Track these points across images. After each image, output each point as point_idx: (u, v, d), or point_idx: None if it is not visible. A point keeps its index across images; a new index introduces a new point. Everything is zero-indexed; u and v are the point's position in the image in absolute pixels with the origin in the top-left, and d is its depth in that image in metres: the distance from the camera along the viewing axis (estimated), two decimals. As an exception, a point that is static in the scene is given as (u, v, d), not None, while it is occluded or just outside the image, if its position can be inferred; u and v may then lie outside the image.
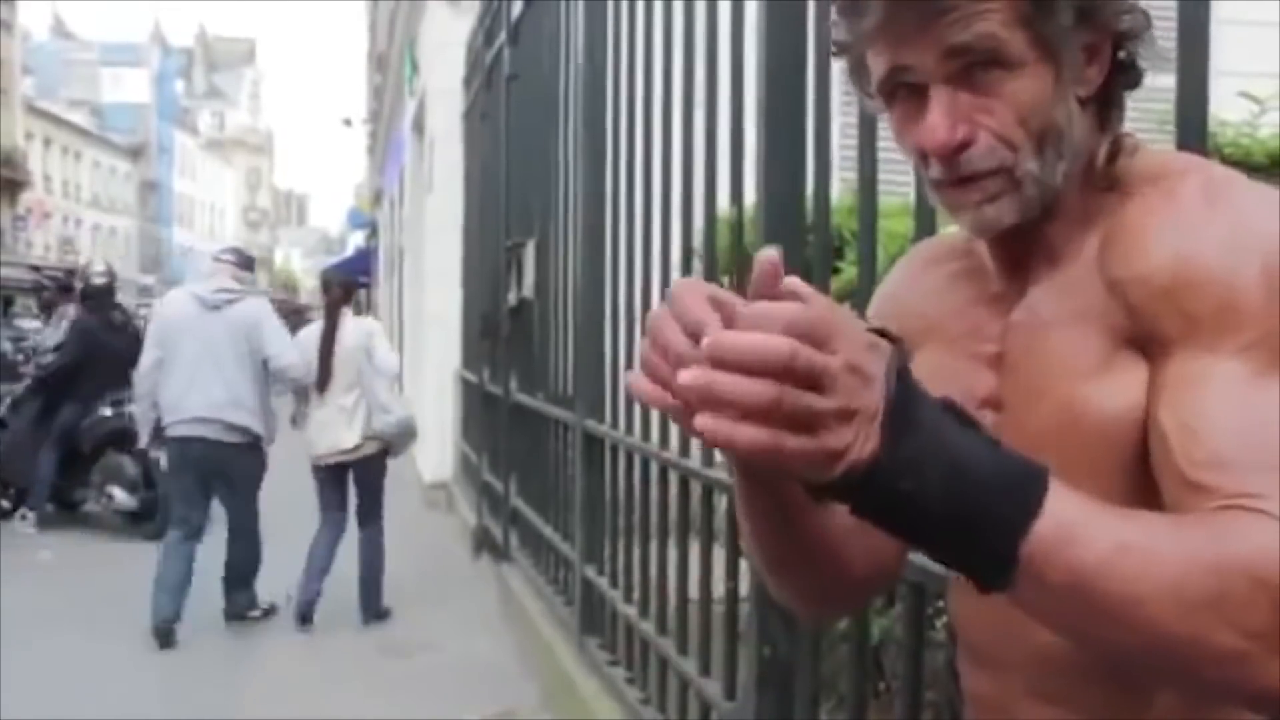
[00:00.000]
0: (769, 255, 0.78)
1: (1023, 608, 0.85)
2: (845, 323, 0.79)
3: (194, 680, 5.27)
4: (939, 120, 0.98)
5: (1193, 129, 1.35)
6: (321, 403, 6.13)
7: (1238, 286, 0.92)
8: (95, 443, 8.74)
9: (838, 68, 2.12)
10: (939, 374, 1.12)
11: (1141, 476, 0.95)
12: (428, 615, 6.30)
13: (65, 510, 9.05)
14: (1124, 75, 1.03)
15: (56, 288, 11.88)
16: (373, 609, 6.23)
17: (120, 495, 8.60)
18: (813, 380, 0.75)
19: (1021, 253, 1.06)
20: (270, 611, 6.27)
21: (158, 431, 6.18)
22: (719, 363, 0.75)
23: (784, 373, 0.74)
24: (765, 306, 0.76)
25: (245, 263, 6.41)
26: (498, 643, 5.62)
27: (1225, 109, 2.44)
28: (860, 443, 0.77)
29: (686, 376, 0.76)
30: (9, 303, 19.48)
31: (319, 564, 6.14)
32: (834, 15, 1.04)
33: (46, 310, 12.25)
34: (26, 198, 46.49)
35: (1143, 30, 1.02)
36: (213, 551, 6.27)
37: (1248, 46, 4.31)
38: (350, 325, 6.21)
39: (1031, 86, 0.98)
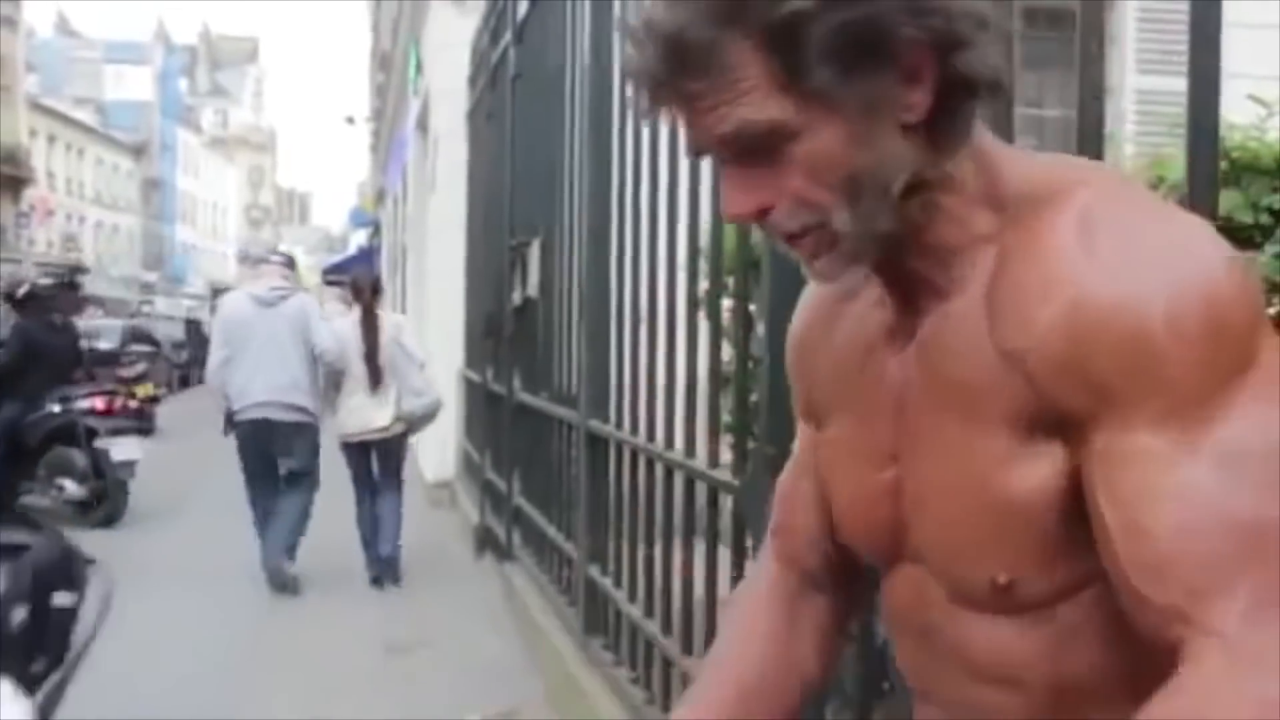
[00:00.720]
0: None
1: None
2: None
3: (196, 676, 5.27)
4: (728, 196, 0.96)
5: (1205, 133, 1.34)
6: (354, 390, 6.86)
7: (1142, 339, 0.85)
8: (42, 438, 9.02)
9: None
10: (847, 440, 1.10)
11: (1055, 535, 0.93)
12: (431, 613, 6.31)
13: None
14: (962, 88, 0.94)
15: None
16: (392, 572, 6.93)
17: (70, 486, 8.86)
18: None
19: (907, 289, 1.01)
20: (294, 582, 6.78)
21: (229, 418, 6.90)
22: None
23: None
24: None
25: (290, 263, 7.50)
26: (501, 642, 5.61)
27: (1232, 112, 2.44)
28: None
29: None
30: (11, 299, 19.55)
31: (391, 530, 6.99)
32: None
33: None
34: (30, 194, 46.48)
35: (974, 37, 0.92)
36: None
37: (1252, 49, 4.31)
38: (381, 320, 7.02)
39: (818, 146, 0.92)
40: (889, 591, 1.10)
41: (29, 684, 2.55)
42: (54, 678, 2.67)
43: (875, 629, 2.45)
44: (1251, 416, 0.85)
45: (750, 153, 0.94)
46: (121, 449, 8.89)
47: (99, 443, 8.85)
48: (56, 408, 9.08)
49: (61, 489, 8.88)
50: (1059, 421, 0.90)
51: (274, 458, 6.83)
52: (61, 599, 2.80)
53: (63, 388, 9.21)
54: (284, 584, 6.65)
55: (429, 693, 4.99)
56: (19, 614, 2.65)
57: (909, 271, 1.00)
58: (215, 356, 6.92)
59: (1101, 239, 0.88)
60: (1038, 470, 0.91)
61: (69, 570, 2.87)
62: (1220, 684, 0.81)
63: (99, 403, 9.35)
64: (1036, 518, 0.92)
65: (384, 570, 6.92)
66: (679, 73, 0.92)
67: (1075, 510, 0.91)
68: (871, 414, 1.06)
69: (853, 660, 2.25)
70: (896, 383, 1.03)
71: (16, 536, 2.90)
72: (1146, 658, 0.89)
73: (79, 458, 8.88)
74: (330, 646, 5.80)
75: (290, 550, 6.80)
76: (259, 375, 6.67)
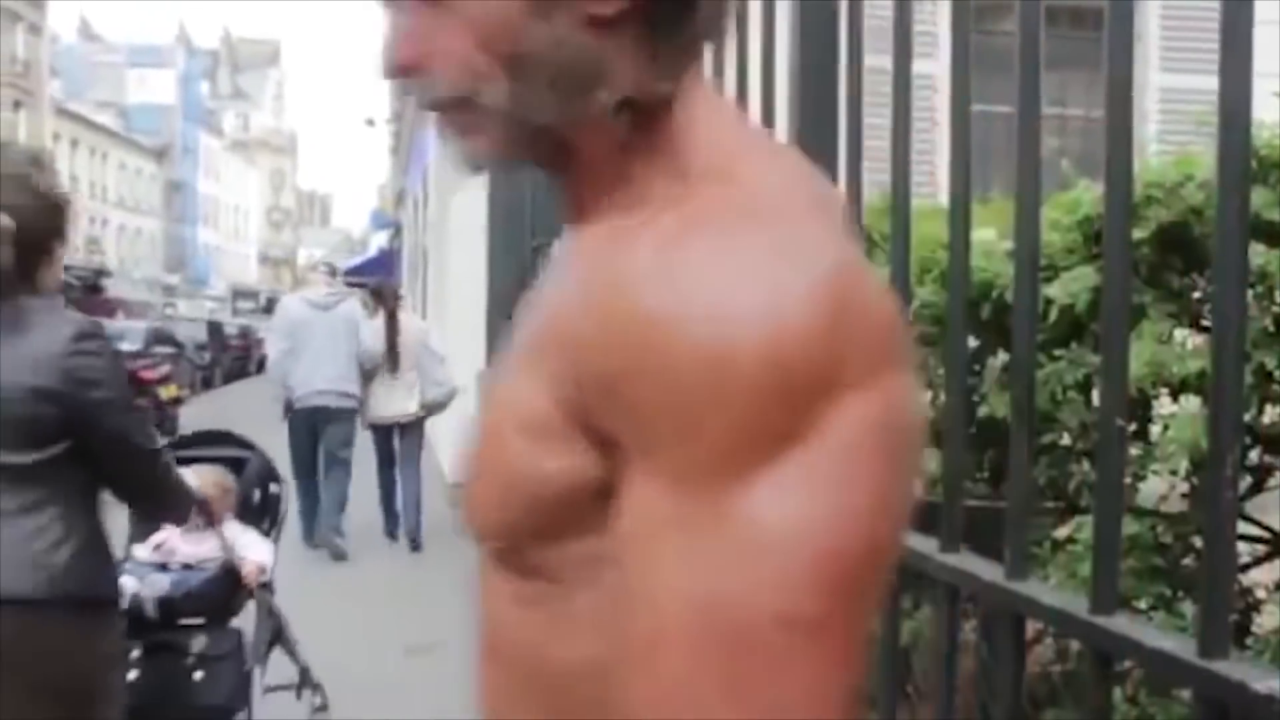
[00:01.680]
0: None
1: None
2: None
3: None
4: (388, 44, 0.84)
5: (1236, 132, 1.33)
6: (385, 380, 8.02)
7: (682, 382, 0.70)
8: None
9: (870, 65, 2.12)
10: None
11: (557, 520, 0.80)
12: (450, 614, 6.28)
13: None
14: None
15: (83, 287, 12.08)
16: (413, 535, 8.03)
17: None
18: None
19: (569, 211, 0.90)
20: (341, 554, 7.81)
21: (289, 405, 7.88)
22: None
23: None
24: None
25: (334, 271, 8.78)
26: (521, 643, 5.61)
27: (1259, 109, 2.41)
28: None
29: None
30: (35, 302, 19.73)
31: (413, 501, 8.24)
32: None
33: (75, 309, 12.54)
34: (53, 198, 46.89)
35: None
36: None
37: (1267, 47, 4.28)
38: (405, 321, 8.26)
39: (492, 5, 0.81)
40: None
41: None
42: (274, 534, 4.31)
43: (899, 632, 2.44)
44: (782, 495, 0.70)
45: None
46: None
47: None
48: None
49: None
50: (597, 434, 0.76)
51: (318, 441, 7.86)
52: (274, 488, 4.41)
53: None
54: (339, 555, 7.74)
55: (449, 693, 4.98)
56: (256, 495, 4.33)
57: (570, 190, 0.89)
58: (276, 349, 7.97)
59: (684, 254, 0.73)
60: (563, 459, 0.78)
61: (274, 471, 4.44)
62: None
63: None
64: (546, 497, 0.80)
65: (407, 534, 8.00)
66: None
67: (585, 507, 0.78)
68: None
69: (879, 663, 2.24)
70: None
71: (237, 451, 4.35)
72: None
73: None
74: (349, 647, 5.81)
75: (339, 524, 7.85)
76: (319, 369, 7.72)
